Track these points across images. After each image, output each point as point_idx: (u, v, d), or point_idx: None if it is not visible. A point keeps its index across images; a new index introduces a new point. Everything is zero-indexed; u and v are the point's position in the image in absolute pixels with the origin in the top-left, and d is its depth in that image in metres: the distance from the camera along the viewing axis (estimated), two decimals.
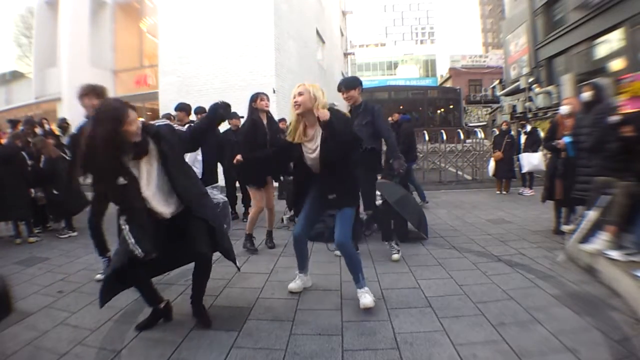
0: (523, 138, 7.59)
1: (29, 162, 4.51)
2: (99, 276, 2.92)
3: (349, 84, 3.35)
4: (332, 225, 3.88)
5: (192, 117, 5.31)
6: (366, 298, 2.33)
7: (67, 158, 4.82)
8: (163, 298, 2.24)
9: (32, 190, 4.48)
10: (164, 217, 2.04)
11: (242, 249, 3.70)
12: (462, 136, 10.39)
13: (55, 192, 4.53)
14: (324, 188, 2.43)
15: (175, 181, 2.01)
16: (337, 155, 2.32)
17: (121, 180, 1.84)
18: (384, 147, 3.58)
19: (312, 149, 2.38)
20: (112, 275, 1.97)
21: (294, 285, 2.65)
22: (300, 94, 2.30)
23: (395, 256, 3.34)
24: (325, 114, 2.22)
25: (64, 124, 5.32)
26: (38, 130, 5.23)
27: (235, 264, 2.33)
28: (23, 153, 4.48)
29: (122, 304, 2.47)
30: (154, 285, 2.22)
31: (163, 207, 2.02)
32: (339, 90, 3.43)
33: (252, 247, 3.73)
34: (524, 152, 7.03)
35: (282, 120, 5.59)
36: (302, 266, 2.69)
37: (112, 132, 1.74)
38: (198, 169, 4.85)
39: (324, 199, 2.43)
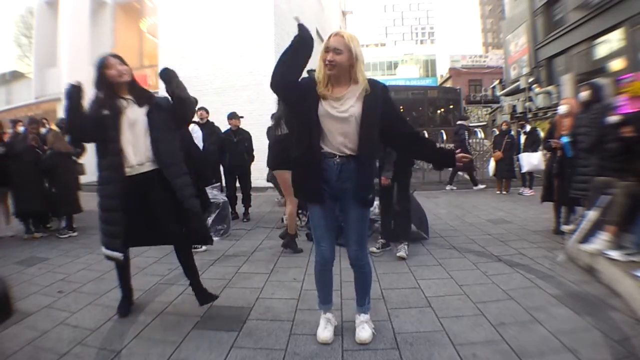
0: (523, 138, 7.60)
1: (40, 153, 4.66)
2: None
3: None
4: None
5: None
6: (365, 331, 1.96)
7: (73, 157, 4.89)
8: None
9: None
10: (131, 166, 2.16)
11: (282, 249, 3.67)
12: None
13: (53, 190, 4.57)
14: (357, 171, 1.83)
15: (156, 140, 2.17)
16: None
17: (104, 111, 2.13)
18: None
19: (341, 110, 1.80)
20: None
21: (327, 335, 1.96)
22: (337, 51, 1.73)
23: (402, 253, 3.33)
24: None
25: (63, 124, 5.31)
26: (43, 130, 5.27)
27: (206, 243, 2.43)
28: (37, 150, 4.61)
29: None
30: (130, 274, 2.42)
31: (132, 154, 2.15)
32: None
33: (297, 248, 3.65)
34: (524, 152, 7.03)
35: None
36: (328, 299, 2.06)
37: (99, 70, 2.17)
38: None
39: (356, 192, 1.85)
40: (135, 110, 2.19)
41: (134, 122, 2.17)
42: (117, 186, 2.12)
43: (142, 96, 2.25)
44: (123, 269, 2.35)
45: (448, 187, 8.04)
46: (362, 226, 1.95)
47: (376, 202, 4.46)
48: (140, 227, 2.21)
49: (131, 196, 2.13)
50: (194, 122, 5.01)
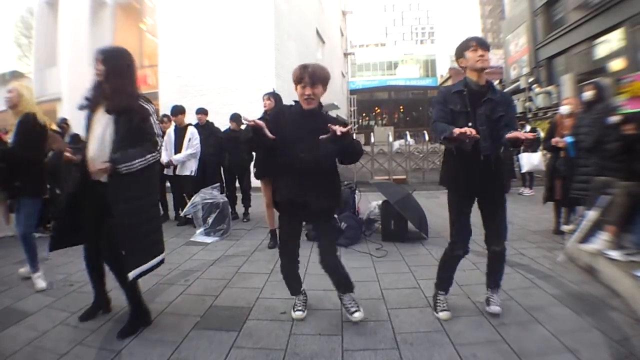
0: None
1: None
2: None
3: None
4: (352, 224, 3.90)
5: (194, 118, 5.33)
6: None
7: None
8: (107, 290, 2.38)
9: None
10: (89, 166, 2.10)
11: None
12: None
13: (57, 191, 4.55)
14: None
15: (116, 143, 2.01)
16: None
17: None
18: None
19: None
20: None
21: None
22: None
23: (496, 308, 2.20)
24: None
25: (63, 124, 5.31)
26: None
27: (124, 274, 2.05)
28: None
29: (122, 303, 2.47)
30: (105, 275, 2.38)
31: (92, 150, 2.10)
32: (469, 48, 2.14)
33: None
34: (524, 152, 7.03)
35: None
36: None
37: None
38: (194, 167, 4.89)
39: None
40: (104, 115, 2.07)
41: (106, 122, 2.07)
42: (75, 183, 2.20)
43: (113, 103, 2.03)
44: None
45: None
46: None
47: (375, 203, 4.46)
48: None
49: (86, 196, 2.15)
50: (192, 125, 5.03)
